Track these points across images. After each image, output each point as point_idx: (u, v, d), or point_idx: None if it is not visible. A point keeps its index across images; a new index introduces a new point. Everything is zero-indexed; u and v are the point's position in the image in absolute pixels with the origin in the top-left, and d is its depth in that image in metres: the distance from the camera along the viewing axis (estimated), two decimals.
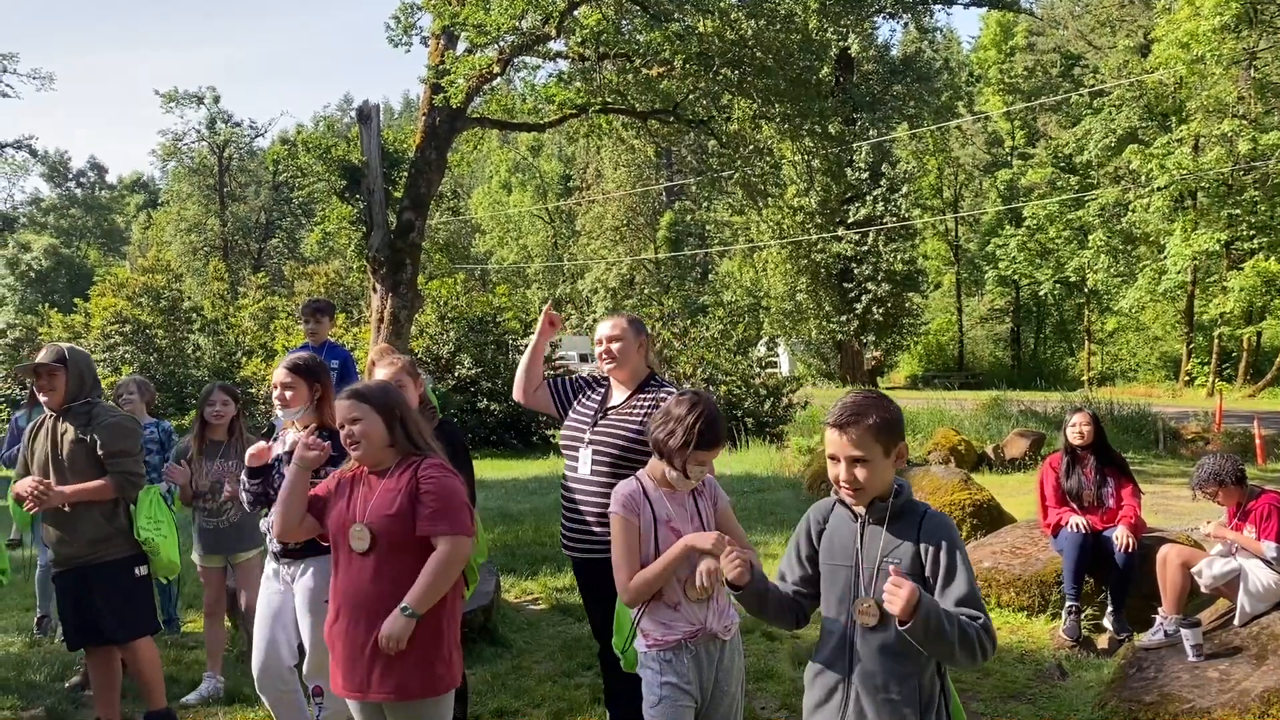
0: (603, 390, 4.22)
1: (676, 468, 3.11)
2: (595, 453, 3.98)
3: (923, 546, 2.49)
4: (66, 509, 4.36)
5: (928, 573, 2.49)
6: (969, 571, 2.48)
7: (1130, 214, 32.26)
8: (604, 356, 4.08)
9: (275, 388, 4.11)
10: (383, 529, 3.14)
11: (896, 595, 2.32)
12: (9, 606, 6.89)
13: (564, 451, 4.18)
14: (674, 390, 4.07)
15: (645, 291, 49.20)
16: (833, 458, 2.55)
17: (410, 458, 3.27)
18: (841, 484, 2.54)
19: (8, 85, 44.22)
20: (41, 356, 4.47)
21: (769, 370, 21.29)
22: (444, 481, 3.20)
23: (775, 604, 2.75)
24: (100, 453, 4.38)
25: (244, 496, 4.06)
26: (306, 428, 4.10)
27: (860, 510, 2.58)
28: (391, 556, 3.14)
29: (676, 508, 3.17)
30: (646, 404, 4.02)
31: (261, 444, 4.03)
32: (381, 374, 4.35)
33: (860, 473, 2.49)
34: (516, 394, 4.46)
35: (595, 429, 4.03)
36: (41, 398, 4.48)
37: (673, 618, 3.10)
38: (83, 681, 5.42)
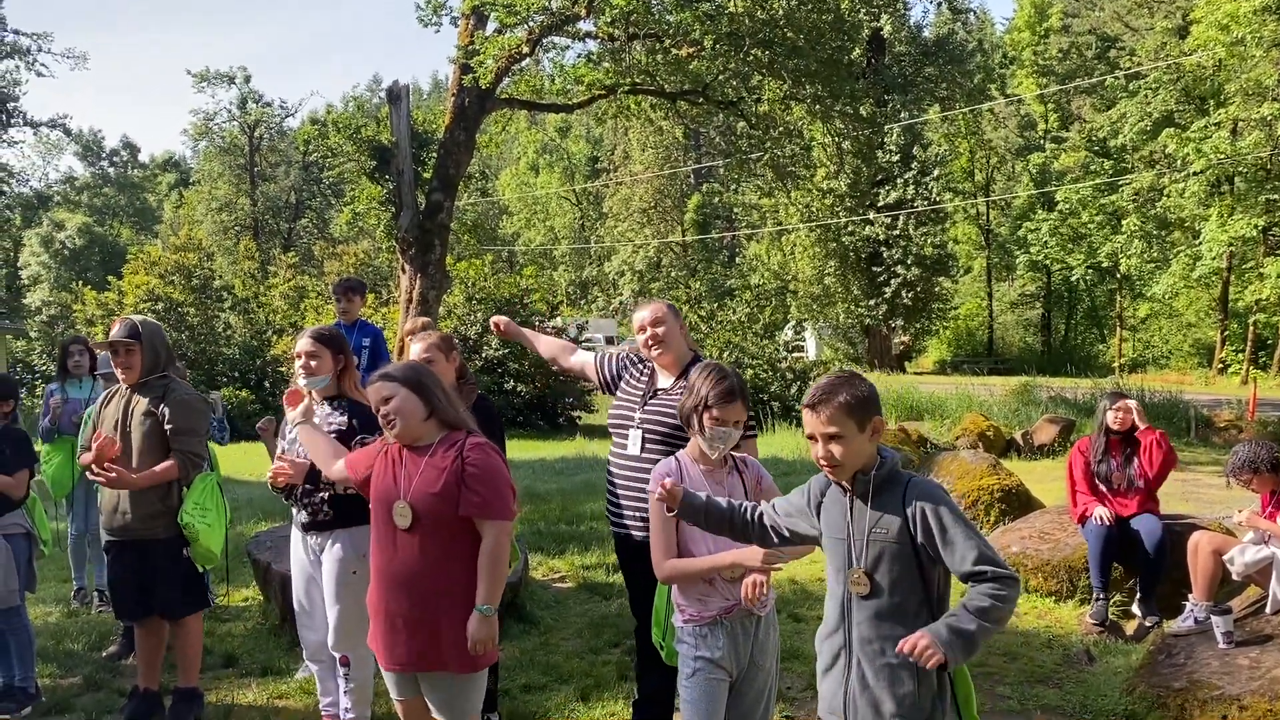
0: (649, 370, 4.19)
1: (696, 429, 3.21)
2: (646, 433, 3.98)
3: (909, 514, 2.57)
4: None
5: (920, 540, 2.55)
6: (965, 525, 2.52)
7: (1165, 199, 31.84)
8: (649, 343, 4.06)
9: (299, 357, 4.12)
10: (426, 508, 3.16)
11: (923, 654, 2.39)
12: (47, 578, 7.00)
13: (613, 432, 4.18)
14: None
15: (672, 274, 49.19)
16: (810, 437, 2.68)
17: (453, 435, 3.28)
18: (820, 461, 2.65)
19: (42, 65, 44.60)
20: (115, 332, 4.45)
21: (796, 354, 21.24)
22: (489, 464, 3.21)
23: (718, 518, 2.96)
24: (167, 428, 4.41)
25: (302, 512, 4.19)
26: (326, 399, 4.15)
27: (846, 485, 2.68)
28: (433, 534, 3.17)
29: (714, 485, 3.22)
30: None
31: (282, 469, 4.03)
32: (415, 349, 4.36)
33: (836, 449, 2.60)
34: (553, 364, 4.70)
35: (645, 409, 4.04)
36: (119, 373, 4.49)
37: (708, 593, 3.15)
38: (119, 651, 5.52)
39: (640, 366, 4.25)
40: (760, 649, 3.19)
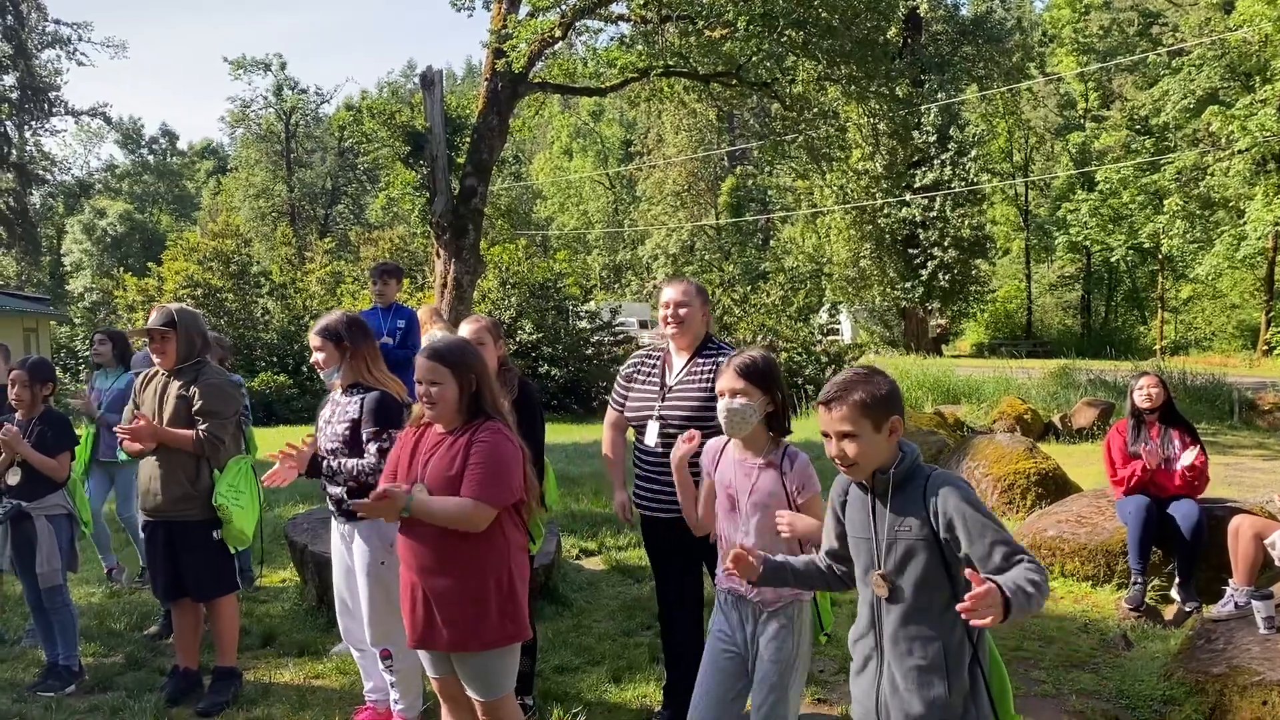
0: (657, 359, 4.24)
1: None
2: (664, 425, 4.04)
3: (930, 508, 2.49)
4: (158, 462, 4.50)
5: (943, 535, 2.48)
6: (987, 516, 2.44)
7: (1209, 178, 31.26)
8: (669, 320, 4.10)
9: (311, 353, 4.22)
10: (442, 492, 3.19)
11: (985, 606, 2.21)
12: (89, 559, 7.13)
13: (634, 425, 4.25)
14: (731, 350, 4.07)
15: (706, 257, 48.96)
16: (824, 434, 2.60)
17: (473, 422, 3.29)
18: (834, 459, 2.59)
19: (83, 54, 45.19)
20: (152, 320, 4.56)
21: (831, 337, 21.12)
22: (494, 450, 3.21)
23: (804, 576, 2.89)
24: (195, 407, 4.50)
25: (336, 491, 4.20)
26: (345, 388, 4.19)
27: (866, 483, 2.62)
28: None
29: (741, 477, 3.24)
30: (708, 368, 4.04)
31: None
32: (464, 331, 4.35)
33: (850, 448, 2.53)
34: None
35: (664, 402, 4.09)
36: (155, 359, 4.59)
37: (724, 570, 3.21)
38: (160, 631, 5.61)
39: (650, 360, 4.27)
40: (765, 641, 3.19)
